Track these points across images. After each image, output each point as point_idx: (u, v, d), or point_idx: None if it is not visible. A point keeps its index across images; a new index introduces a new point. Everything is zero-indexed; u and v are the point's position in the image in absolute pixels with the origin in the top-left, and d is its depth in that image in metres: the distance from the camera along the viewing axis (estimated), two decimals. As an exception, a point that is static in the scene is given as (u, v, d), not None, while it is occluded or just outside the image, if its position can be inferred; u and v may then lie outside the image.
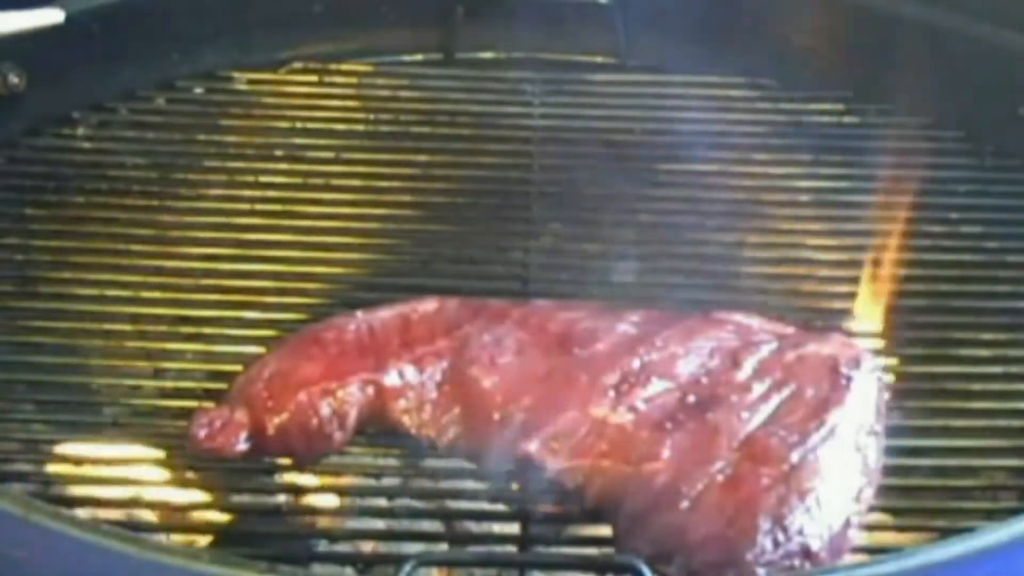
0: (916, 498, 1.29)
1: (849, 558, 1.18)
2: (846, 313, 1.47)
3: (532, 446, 1.25)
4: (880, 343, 1.42)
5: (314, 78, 1.79)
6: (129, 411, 1.37)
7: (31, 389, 1.37)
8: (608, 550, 1.20)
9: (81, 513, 1.19)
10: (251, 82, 1.78)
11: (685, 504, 1.19)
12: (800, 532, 1.17)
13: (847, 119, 1.74)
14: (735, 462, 1.22)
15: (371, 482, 1.34)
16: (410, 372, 1.32)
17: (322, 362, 1.33)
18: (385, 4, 1.84)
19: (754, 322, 1.38)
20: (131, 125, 1.72)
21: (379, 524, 1.28)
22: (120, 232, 1.55)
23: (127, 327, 1.44)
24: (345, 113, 1.75)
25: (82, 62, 1.70)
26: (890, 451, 1.28)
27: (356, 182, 1.64)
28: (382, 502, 1.31)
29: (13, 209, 1.57)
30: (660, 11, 1.81)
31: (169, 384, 1.39)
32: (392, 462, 1.34)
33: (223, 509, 1.33)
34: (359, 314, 1.38)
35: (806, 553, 1.16)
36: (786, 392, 1.29)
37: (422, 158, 1.68)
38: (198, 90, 1.77)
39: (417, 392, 1.32)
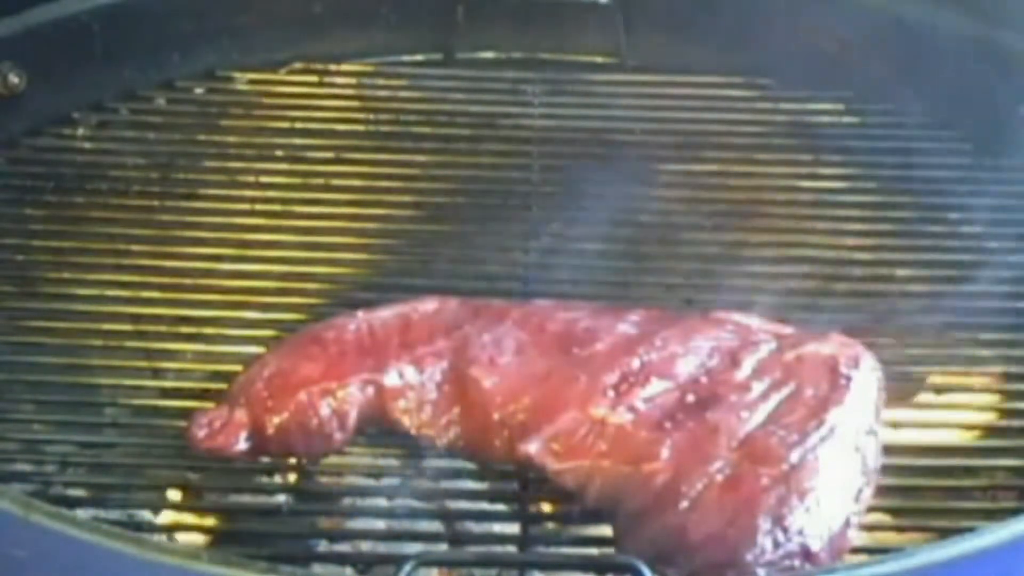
0: (916, 498, 1.29)
1: (849, 558, 1.18)
2: (846, 313, 1.47)
3: (532, 446, 1.25)
4: (879, 343, 1.42)
5: (314, 78, 1.80)
6: (129, 411, 1.37)
7: (31, 389, 1.37)
8: (608, 550, 1.20)
9: (81, 513, 1.19)
10: (251, 82, 1.78)
11: (685, 504, 1.19)
12: (800, 532, 1.17)
13: (847, 119, 1.74)
14: (735, 462, 1.22)
15: (371, 482, 1.34)
16: (410, 372, 1.32)
17: (322, 362, 1.33)
18: (385, 4, 1.84)
19: (753, 322, 1.38)
20: (131, 125, 1.72)
21: (379, 524, 1.28)
22: (120, 232, 1.55)
23: (127, 327, 1.44)
24: (345, 113, 1.75)
25: (82, 62, 1.70)
26: (890, 451, 1.28)
27: (356, 182, 1.64)
28: (382, 502, 1.31)
29: (13, 209, 1.58)
30: (660, 11, 1.81)
31: (169, 384, 1.39)
32: (392, 462, 1.34)
33: (223, 509, 1.33)
34: (359, 314, 1.38)
35: (806, 553, 1.16)
36: (785, 392, 1.29)
37: (422, 158, 1.68)
38: (198, 90, 1.77)
39: (417, 392, 1.32)
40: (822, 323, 1.42)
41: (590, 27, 1.83)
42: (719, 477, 1.21)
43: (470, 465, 1.30)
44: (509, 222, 1.58)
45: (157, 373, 1.42)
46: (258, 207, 1.60)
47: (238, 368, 1.36)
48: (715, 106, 1.75)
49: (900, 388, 1.37)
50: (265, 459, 1.30)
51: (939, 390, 1.39)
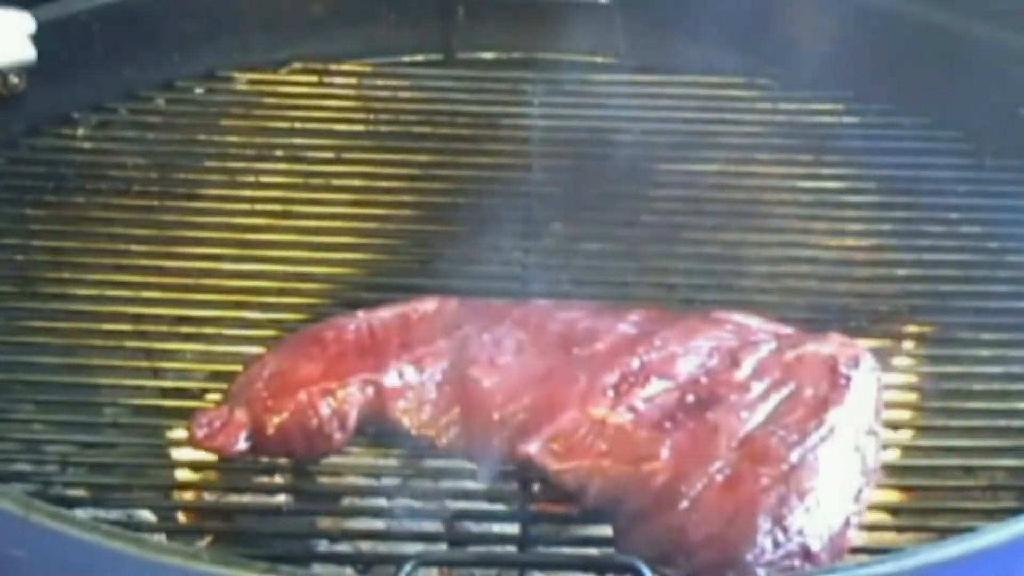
0: (916, 498, 1.29)
1: (849, 558, 1.18)
2: (846, 313, 1.47)
3: (532, 446, 1.25)
4: (880, 343, 1.42)
5: (314, 78, 1.80)
6: (129, 411, 1.37)
7: (31, 389, 1.37)
8: (608, 550, 1.20)
9: (81, 513, 1.19)
10: (251, 82, 1.78)
11: (685, 504, 1.19)
12: (800, 532, 1.17)
13: (847, 119, 1.74)
14: (734, 462, 1.21)
15: (371, 482, 1.34)
16: (410, 372, 1.32)
17: (322, 362, 1.33)
18: (385, 4, 1.84)
19: (753, 322, 1.38)
20: (131, 125, 1.72)
21: (379, 524, 1.28)
22: (120, 232, 1.55)
23: (127, 327, 1.44)
24: (345, 113, 1.75)
25: (82, 62, 1.70)
26: (890, 451, 1.28)
27: (356, 182, 1.64)
28: (382, 502, 1.31)
29: (13, 209, 1.57)
30: (660, 11, 1.81)
31: (169, 384, 1.39)
32: (392, 462, 1.34)
33: (223, 509, 1.33)
34: (359, 314, 1.38)
35: (806, 553, 1.16)
36: (785, 392, 1.29)
37: (422, 158, 1.68)
38: (198, 90, 1.77)
39: (417, 392, 1.32)
40: (822, 323, 1.42)
41: (590, 27, 1.83)
42: (719, 477, 1.20)
43: (470, 465, 1.30)
44: (509, 222, 1.58)
45: (157, 373, 1.42)
46: (258, 207, 1.60)
47: (238, 368, 1.36)
48: (715, 106, 1.75)
49: (900, 387, 1.37)
50: (265, 459, 1.30)
51: (939, 390, 1.39)
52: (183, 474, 1.32)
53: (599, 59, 1.84)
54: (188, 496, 1.34)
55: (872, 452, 1.25)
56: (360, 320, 1.37)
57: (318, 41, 1.82)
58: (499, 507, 1.31)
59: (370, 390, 1.31)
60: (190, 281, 1.48)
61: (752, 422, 1.26)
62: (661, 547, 1.17)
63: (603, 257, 1.54)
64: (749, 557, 1.15)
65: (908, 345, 1.43)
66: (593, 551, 1.22)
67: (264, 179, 1.64)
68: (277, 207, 1.60)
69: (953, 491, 1.29)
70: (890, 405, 1.33)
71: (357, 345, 1.35)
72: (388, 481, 1.34)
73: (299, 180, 1.64)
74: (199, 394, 1.36)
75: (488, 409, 1.29)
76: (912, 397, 1.37)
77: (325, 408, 1.29)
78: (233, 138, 1.70)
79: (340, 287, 1.51)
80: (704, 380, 1.30)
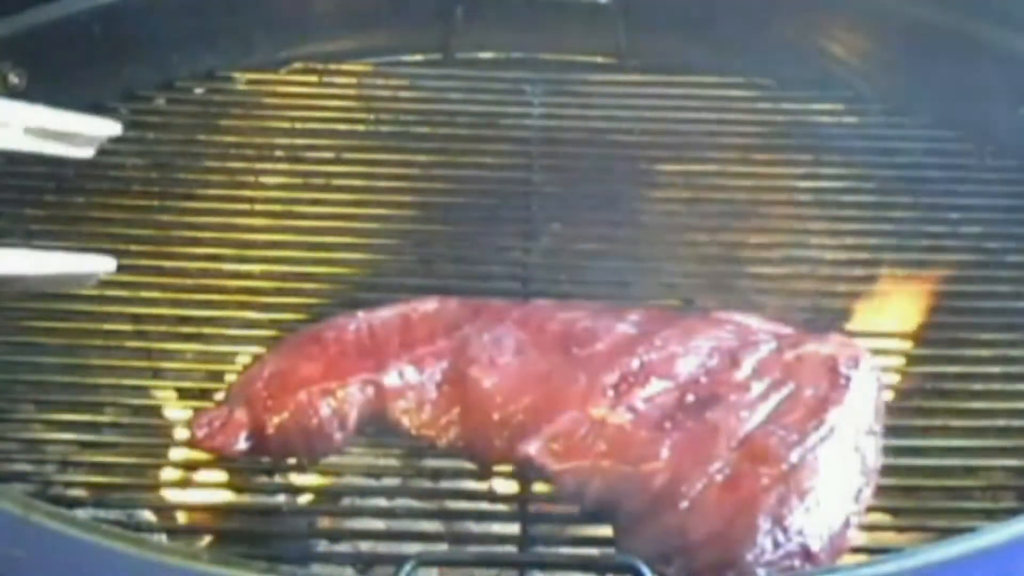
0: (916, 498, 1.29)
1: (849, 558, 1.18)
2: (846, 313, 1.47)
3: (532, 446, 1.25)
4: (880, 343, 1.42)
5: (314, 78, 1.79)
6: (129, 411, 1.37)
7: (31, 389, 1.37)
8: (608, 550, 1.20)
9: (81, 513, 1.19)
10: (251, 82, 1.78)
11: (684, 504, 1.19)
12: (800, 532, 1.17)
13: (847, 119, 1.74)
14: (734, 462, 1.22)
15: (371, 482, 1.34)
16: (410, 372, 1.32)
17: (322, 362, 1.33)
18: (385, 4, 1.84)
19: (753, 322, 1.38)
20: (131, 125, 1.71)
21: (379, 524, 1.28)
22: (120, 232, 1.55)
23: (127, 327, 1.44)
24: (345, 113, 1.75)
25: (82, 62, 1.70)
26: (890, 451, 1.28)
27: (356, 182, 1.64)
28: (382, 502, 1.31)
29: (13, 209, 1.57)
30: (660, 11, 1.81)
31: (169, 384, 1.39)
32: (392, 462, 1.34)
33: (223, 509, 1.33)
34: (359, 314, 1.38)
35: (806, 553, 1.16)
36: (785, 392, 1.29)
37: (422, 158, 1.68)
38: (198, 90, 1.77)
39: (417, 392, 1.32)
40: (822, 323, 1.42)
41: (590, 27, 1.82)
42: (719, 477, 1.21)
43: (470, 465, 1.30)
44: (509, 222, 1.58)
45: (157, 373, 1.42)
46: (258, 207, 1.60)
47: (238, 368, 1.36)
48: (715, 106, 1.75)
49: (899, 387, 1.37)
50: (265, 459, 1.30)
51: (939, 390, 1.39)
52: (183, 474, 1.32)
53: (599, 59, 1.83)
54: (188, 496, 1.33)
55: (872, 452, 1.25)
56: (360, 320, 1.37)
57: (318, 41, 1.82)
58: (499, 507, 1.31)
59: (370, 390, 1.31)
60: (190, 281, 1.48)
61: (752, 422, 1.26)
62: (661, 547, 1.17)
63: (603, 257, 1.54)
64: (749, 557, 1.15)
65: (908, 345, 1.43)
66: (593, 551, 1.22)
67: (264, 179, 1.64)
68: (277, 207, 1.60)
69: (953, 491, 1.29)
70: (890, 405, 1.33)
71: (357, 345, 1.35)
72: (388, 481, 1.34)
73: (299, 180, 1.64)
74: (199, 394, 1.36)
75: (488, 409, 1.29)
76: (912, 397, 1.37)
77: (325, 408, 1.29)
78: (233, 138, 1.70)
79: (340, 287, 1.51)
80: (704, 380, 1.30)
